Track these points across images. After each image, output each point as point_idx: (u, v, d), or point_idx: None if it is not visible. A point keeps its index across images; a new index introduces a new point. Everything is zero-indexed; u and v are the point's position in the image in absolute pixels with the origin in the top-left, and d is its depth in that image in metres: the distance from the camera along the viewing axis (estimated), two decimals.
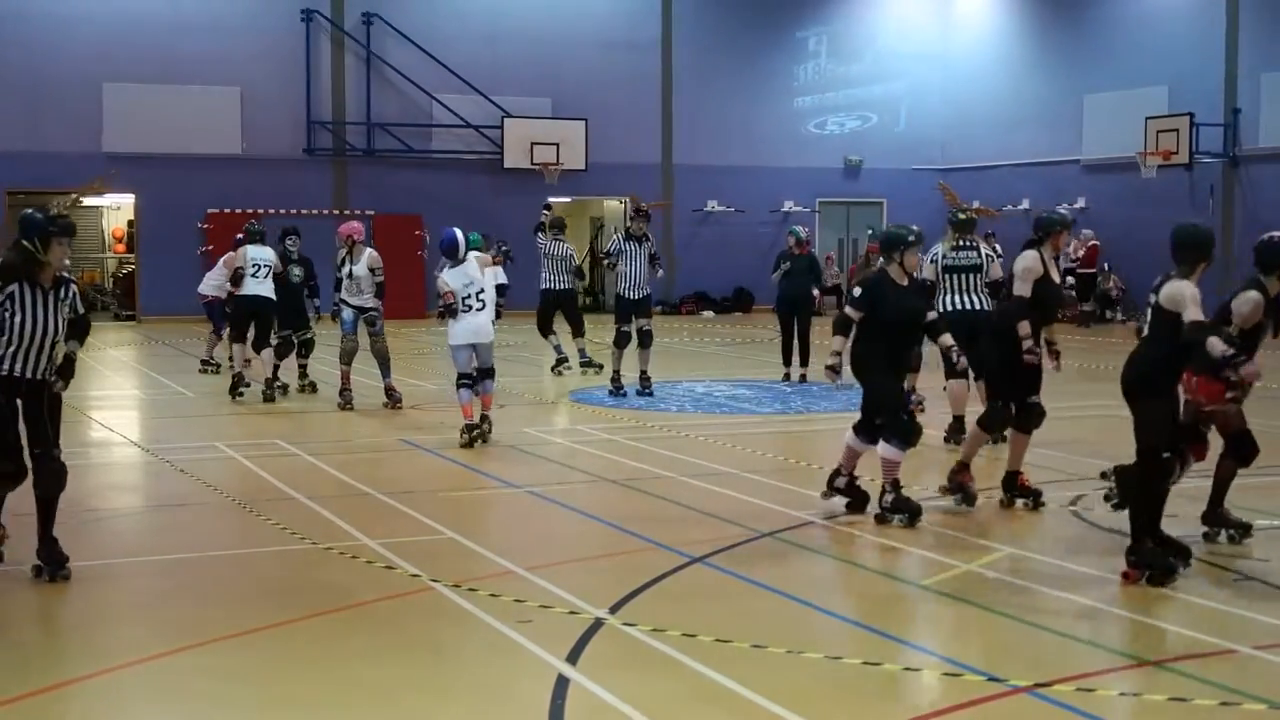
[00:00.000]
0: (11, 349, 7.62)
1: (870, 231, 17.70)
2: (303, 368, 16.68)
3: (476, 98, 31.20)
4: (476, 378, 12.49)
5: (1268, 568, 8.02)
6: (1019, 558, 8.31)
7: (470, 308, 12.33)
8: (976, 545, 8.63)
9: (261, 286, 15.72)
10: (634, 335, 16.07)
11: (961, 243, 12.63)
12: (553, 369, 19.08)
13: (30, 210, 7.94)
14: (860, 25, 35.19)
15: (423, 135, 31.41)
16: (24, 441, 7.76)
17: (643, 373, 16.14)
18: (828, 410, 15.12)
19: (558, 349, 19.19)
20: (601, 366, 18.66)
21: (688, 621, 6.86)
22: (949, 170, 34.70)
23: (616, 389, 16.08)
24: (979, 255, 12.60)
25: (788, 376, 17.78)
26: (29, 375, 7.66)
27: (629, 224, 16.50)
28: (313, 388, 16.46)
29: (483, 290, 12.35)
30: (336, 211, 30.37)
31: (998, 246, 29.33)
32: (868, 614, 7.29)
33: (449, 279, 12.33)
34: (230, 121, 30.12)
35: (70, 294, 7.81)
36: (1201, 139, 28.50)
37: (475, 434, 12.39)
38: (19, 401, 7.70)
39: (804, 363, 17.83)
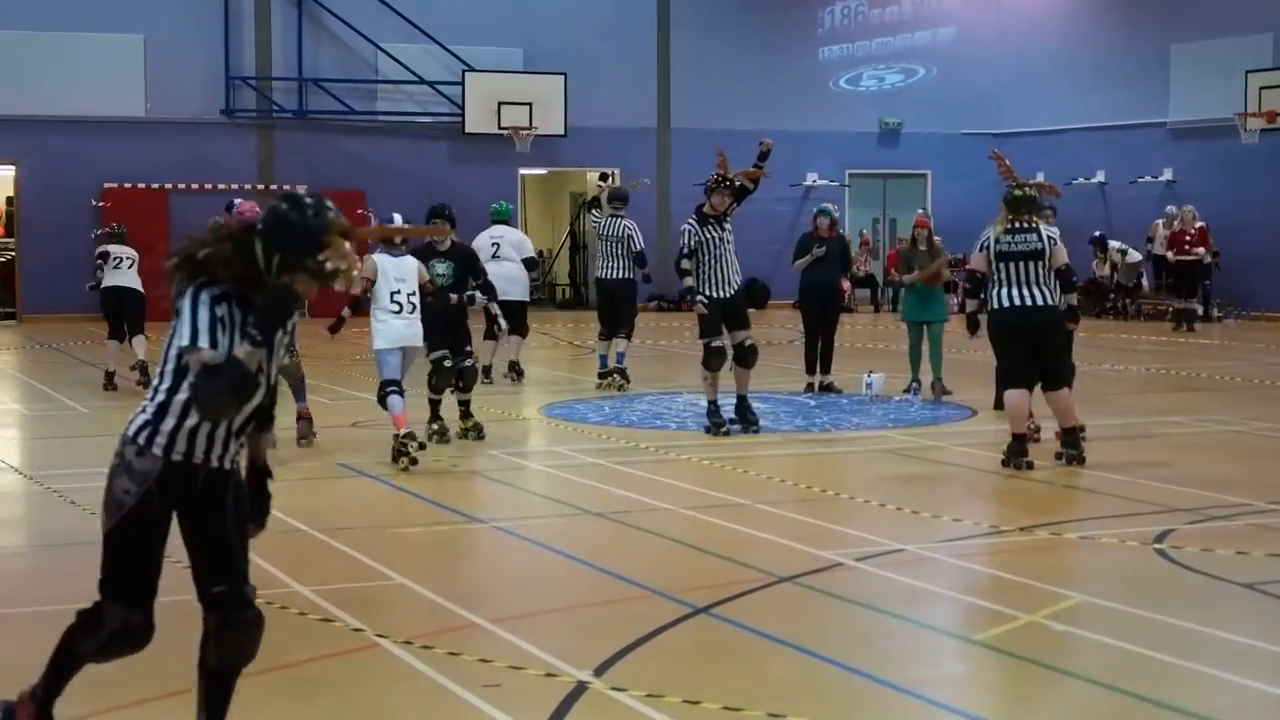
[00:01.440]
0: None
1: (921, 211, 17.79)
2: (464, 405, 14.49)
3: (431, 48, 31.23)
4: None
5: None
6: (1094, 606, 8.31)
7: (400, 306, 12.91)
8: (1041, 590, 8.64)
9: (125, 277, 18.11)
10: (729, 352, 14.77)
11: (1018, 225, 12.66)
12: (600, 380, 18.82)
13: None
14: None
15: (366, 94, 31.44)
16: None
17: (741, 399, 14.83)
18: (858, 428, 15.14)
19: (603, 359, 18.99)
20: (627, 381, 18.58)
21: (690, 685, 6.85)
22: (1007, 136, 34.77)
23: (717, 426, 14.53)
24: (1040, 239, 12.60)
25: (811, 387, 17.81)
26: None
27: (706, 205, 15.01)
28: (478, 432, 14.36)
29: (414, 293, 12.98)
30: (261, 186, 30.38)
31: (1057, 229, 29.49)
32: (908, 676, 7.27)
33: (380, 262, 13.06)
34: (131, 77, 30.12)
35: None
36: None
37: (413, 443, 12.59)
38: None
39: (826, 369, 17.87)
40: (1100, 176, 33.12)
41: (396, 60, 31.11)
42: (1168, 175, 31.75)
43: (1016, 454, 12.50)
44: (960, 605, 8.50)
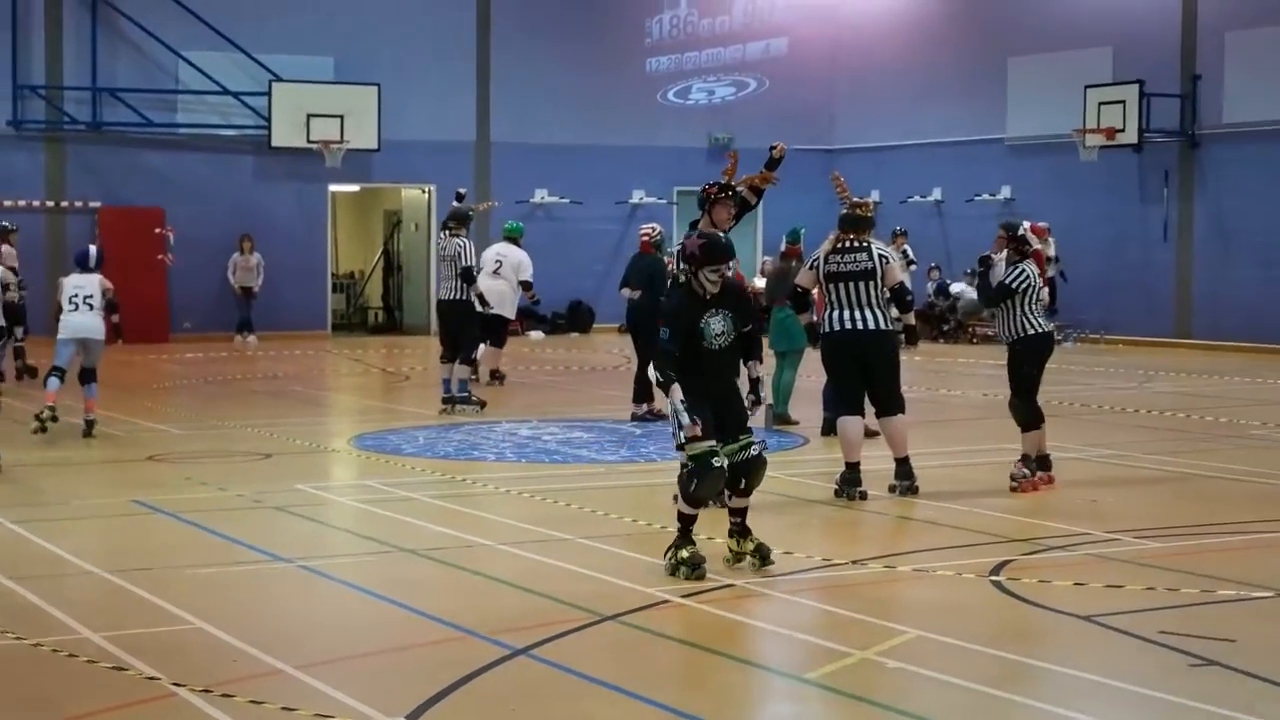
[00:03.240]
0: None
1: (798, 229, 17.71)
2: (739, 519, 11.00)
3: (237, 56, 30.93)
4: (81, 379, 16.46)
5: (1233, 649, 8.21)
6: (929, 642, 8.40)
7: (76, 307, 16.38)
8: (874, 626, 8.72)
9: None
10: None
11: (847, 244, 12.79)
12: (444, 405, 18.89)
13: None
14: None
15: (166, 105, 31.05)
16: None
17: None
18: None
19: (445, 384, 19.01)
20: (482, 405, 18.68)
21: None
22: (841, 152, 35.22)
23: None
24: (870, 258, 12.70)
25: (636, 416, 17.84)
26: None
27: (702, 222, 12.39)
28: (763, 557, 10.16)
29: (91, 295, 16.42)
30: (51, 203, 29.90)
31: (909, 249, 29.50)
32: (738, 719, 7.30)
33: (65, 283, 16.80)
34: None
35: None
36: (1153, 113, 29.26)
37: (48, 418, 16.23)
38: None
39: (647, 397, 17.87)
40: (937, 194, 33.65)
41: (199, 69, 30.76)
42: (1006, 193, 32.30)
43: (850, 484, 12.63)
44: (791, 643, 8.56)
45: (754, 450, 9.93)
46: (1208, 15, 29.28)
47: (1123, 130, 29.25)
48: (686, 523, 9.77)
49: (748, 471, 9.88)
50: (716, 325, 9.92)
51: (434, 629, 8.72)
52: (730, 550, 10.01)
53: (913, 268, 28.92)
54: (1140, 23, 30.15)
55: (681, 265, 10.21)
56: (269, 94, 30.80)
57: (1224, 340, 28.43)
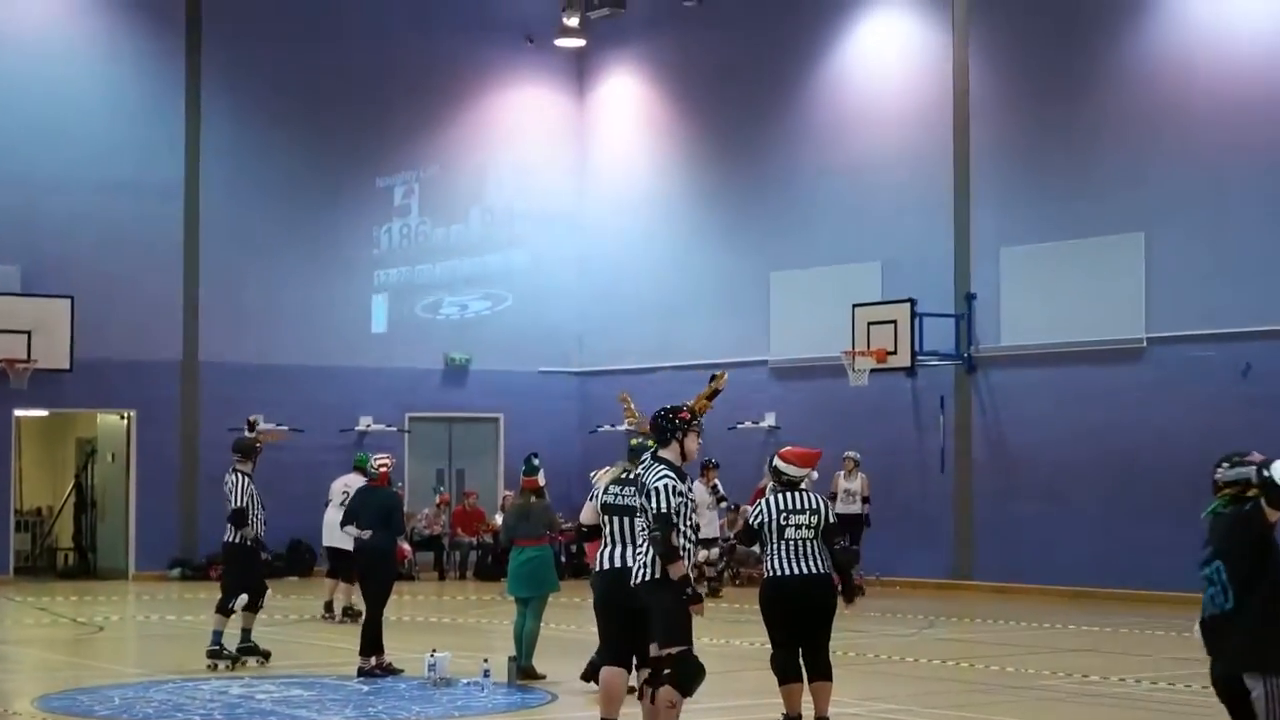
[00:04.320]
0: None
1: (533, 459, 17.57)
2: None
3: None
4: None
5: None
6: None
7: None
8: None
9: None
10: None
11: (627, 475, 12.75)
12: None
13: None
14: (464, 171, 35.86)
15: None
16: None
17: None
18: (418, 717, 14.82)
19: (215, 635, 18.58)
20: (267, 656, 18.43)
21: None
22: (590, 375, 35.35)
23: None
24: (636, 493, 12.48)
25: (362, 670, 17.40)
26: None
27: (678, 454, 11.94)
28: None
29: None
30: None
31: (719, 484, 29.24)
32: None
33: None
34: None
35: None
36: (927, 334, 29.70)
37: None
38: None
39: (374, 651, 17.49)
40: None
41: None
42: (770, 420, 32.51)
43: None
44: None
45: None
46: (982, 229, 29.90)
47: (894, 352, 29.49)
48: None
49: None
50: None
51: None
52: None
53: (723, 504, 28.82)
54: (911, 236, 30.70)
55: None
56: None
57: (1009, 581, 28.71)
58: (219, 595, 18.79)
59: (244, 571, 18.83)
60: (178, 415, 32.18)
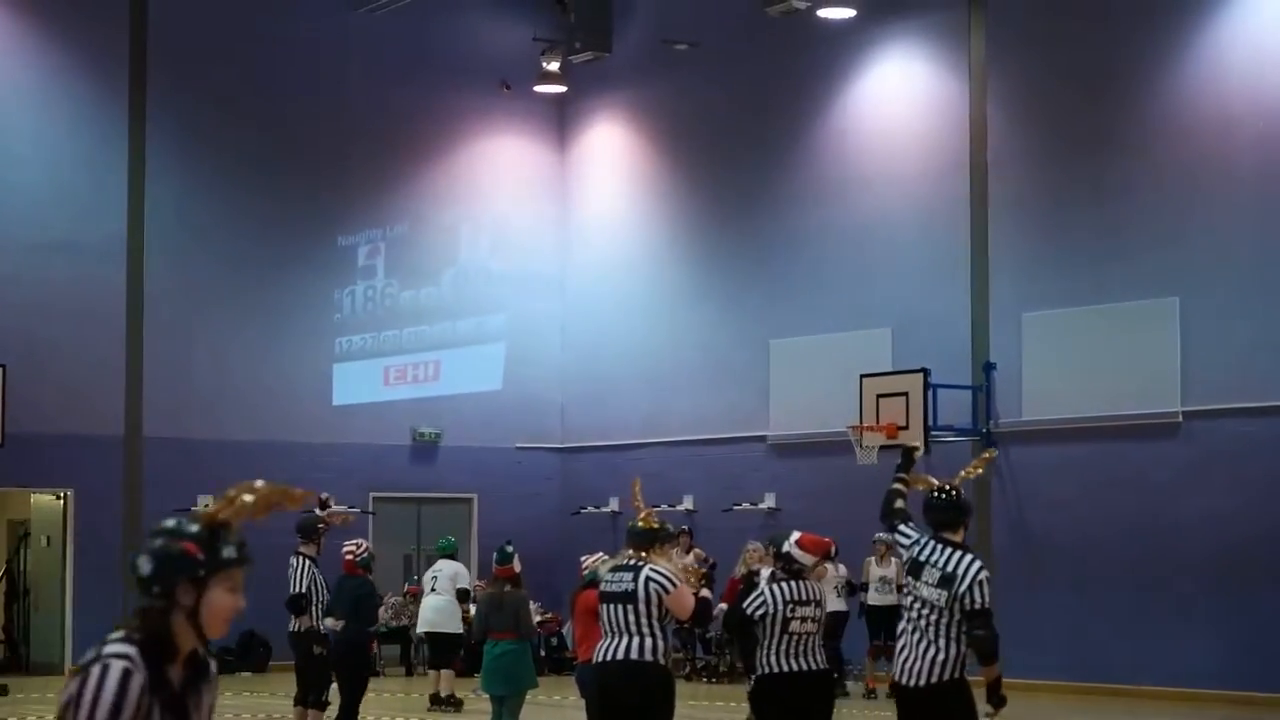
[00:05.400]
0: None
1: (506, 547, 17.83)
2: None
3: None
4: None
5: None
6: None
7: None
8: None
9: None
10: None
11: (625, 562, 12.80)
12: None
13: None
14: (435, 228, 35.73)
15: None
16: None
17: None
18: None
19: None
20: None
21: None
22: (571, 451, 35.19)
23: None
24: (635, 579, 12.59)
25: None
26: None
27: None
28: None
29: None
30: None
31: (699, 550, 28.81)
32: None
33: None
34: None
35: None
36: (941, 407, 29.58)
37: None
38: None
39: None
40: (688, 503, 33.53)
41: None
42: (770, 501, 32.33)
43: None
44: None
45: None
46: (1002, 293, 29.79)
47: (906, 427, 29.32)
48: None
49: None
50: None
51: None
52: None
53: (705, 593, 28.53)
54: (924, 300, 30.57)
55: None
56: None
57: (1036, 679, 28.47)
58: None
59: (314, 662, 18.70)
60: (119, 495, 31.94)
